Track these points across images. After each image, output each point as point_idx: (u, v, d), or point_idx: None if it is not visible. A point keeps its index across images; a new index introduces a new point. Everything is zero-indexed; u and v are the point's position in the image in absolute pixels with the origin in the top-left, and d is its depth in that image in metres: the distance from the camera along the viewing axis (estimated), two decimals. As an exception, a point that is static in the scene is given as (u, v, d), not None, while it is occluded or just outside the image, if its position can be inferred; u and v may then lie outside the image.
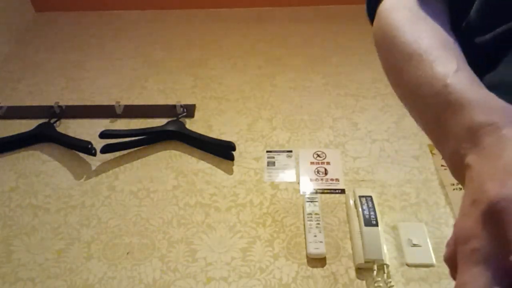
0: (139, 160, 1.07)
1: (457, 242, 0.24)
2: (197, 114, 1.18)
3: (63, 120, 1.18)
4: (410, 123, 1.12)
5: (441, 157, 1.03)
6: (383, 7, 0.39)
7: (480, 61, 0.33)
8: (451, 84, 0.29)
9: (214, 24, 1.51)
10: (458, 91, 0.29)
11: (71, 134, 1.13)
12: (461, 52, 0.33)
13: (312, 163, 1.04)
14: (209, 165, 1.05)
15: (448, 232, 0.89)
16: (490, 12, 0.35)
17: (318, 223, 0.89)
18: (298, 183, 1.00)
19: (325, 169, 1.02)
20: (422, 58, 0.32)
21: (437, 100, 0.30)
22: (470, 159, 0.26)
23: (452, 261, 0.24)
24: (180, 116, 1.14)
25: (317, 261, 0.86)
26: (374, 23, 0.40)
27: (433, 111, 0.31)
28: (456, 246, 0.24)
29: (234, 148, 1.04)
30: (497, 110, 0.26)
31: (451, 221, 0.90)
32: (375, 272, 0.81)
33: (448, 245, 0.25)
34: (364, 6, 0.44)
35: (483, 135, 0.26)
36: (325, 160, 1.04)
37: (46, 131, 1.11)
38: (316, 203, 0.93)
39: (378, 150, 1.06)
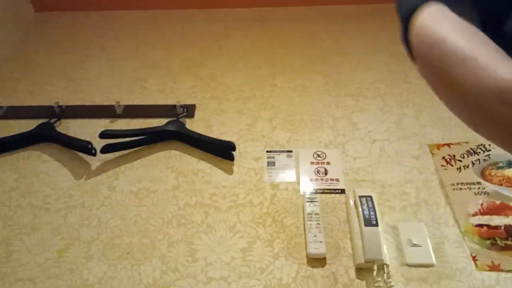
0: (139, 160, 1.07)
1: None
2: (197, 114, 1.18)
3: (63, 120, 1.18)
4: (410, 123, 1.12)
5: (441, 157, 1.03)
6: (425, 17, 0.39)
7: None
8: None
9: (214, 24, 1.51)
10: None
11: (71, 134, 1.13)
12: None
13: (312, 163, 1.04)
14: (209, 165, 1.05)
15: (448, 232, 0.89)
16: None
17: (318, 223, 0.89)
18: (298, 183, 1.00)
19: (325, 169, 1.02)
20: (480, 61, 0.33)
21: (505, 100, 0.31)
22: None
23: None
24: (180, 116, 1.14)
25: (317, 261, 0.86)
26: (416, 32, 0.40)
27: (500, 112, 0.31)
28: None
29: (234, 148, 1.04)
30: None
31: (451, 221, 0.90)
32: (375, 272, 0.81)
33: None
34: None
35: None
36: (325, 160, 1.04)
37: (46, 131, 1.11)
38: (316, 203, 0.93)
39: (378, 150, 1.06)
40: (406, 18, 0.41)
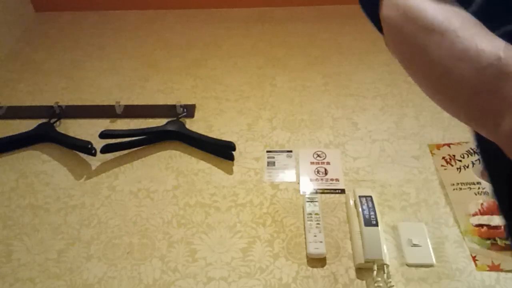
0: (139, 160, 1.07)
1: None
2: (197, 114, 1.18)
3: (63, 120, 1.18)
4: (410, 123, 1.12)
5: (441, 157, 1.03)
6: None
7: None
8: (507, 57, 0.28)
9: (214, 24, 1.51)
10: None
11: (71, 134, 1.13)
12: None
13: (312, 163, 1.04)
14: (209, 165, 1.05)
15: (448, 232, 0.89)
16: (495, 10, 0.34)
17: (318, 223, 0.89)
18: (298, 183, 1.00)
19: (325, 169, 1.02)
20: (458, 33, 0.31)
21: (487, 74, 0.29)
22: None
23: None
24: (180, 116, 1.14)
25: (317, 261, 0.86)
26: (387, 4, 0.38)
27: (479, 87, 0.29)
28: None
29: (234, 148, 1.04)
30: None
31: (451, 221, 0.90)
32: (375, 272, 0.81)
33: None
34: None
35: None
36: (325, 160, 1.04)
37: (46, 131, 1.11)
38: (316, 203, 0.93)
39: (378, 150, 1.06)
40: None
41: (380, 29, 0.40)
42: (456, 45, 0.31)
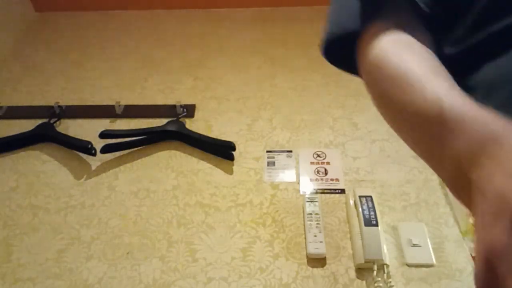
0: (139, 160, 1.07)
1: (493, 258, 0.23)
2: (197, 114, 1.18)
3: (63, 120, 1.18)
4: (410, 123, 1.12)
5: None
6: (369, 37, 0.40)
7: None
8: (445, 107, 0.30)
9: (214, 24, 1.51)
10: (453, 112, 0.29)
11: (71, 134, 1.13)
12: (448, 74, 0.33)
13: (312, 163, 1.04)
14: (209, 165, 1.05)
15: (448, 232, 0.89)
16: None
17: (318, 223, 0.89)
18: (298, 183, 1.00)
19: (325, 169, 1.02)
20: (410, 83, 0.33)
21: (432, 124, 0.31)
22: (478, 175, 0.26)
23: (492, 282, 0.23)
24: (180, 116, 1.14)
25: (317, 261, 0.86)
26: (363, 52, 0.41)
27: (428, 135, 0.31)
28: (493, 262, 0.23)
29: (234, 148, 1.04)
30: (495, 123, 0.27)
31: (451, 221, 0.90)
32: (375, 272, 0.81)
33: (480, 271, 0.24)
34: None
35: (486, 148, 0.26)
36: (325, 160, 1.04)
37: (46, 131, 1.11)
38: (316, 203, 0.93)
39: (378, 150, 1.06)
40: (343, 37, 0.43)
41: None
42: (408, 94, 0.33)
